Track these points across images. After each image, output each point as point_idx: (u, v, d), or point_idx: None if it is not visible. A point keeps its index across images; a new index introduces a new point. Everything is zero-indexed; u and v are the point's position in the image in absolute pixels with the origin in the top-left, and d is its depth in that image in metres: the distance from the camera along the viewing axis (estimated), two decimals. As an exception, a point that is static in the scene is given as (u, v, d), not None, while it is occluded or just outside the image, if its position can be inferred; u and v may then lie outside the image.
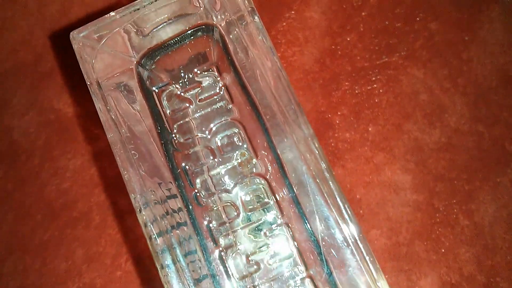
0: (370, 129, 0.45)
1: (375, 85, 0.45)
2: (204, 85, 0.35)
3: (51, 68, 0.46)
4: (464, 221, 0.42)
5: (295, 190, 0.33)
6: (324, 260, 0.32)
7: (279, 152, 0.33)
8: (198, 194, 0.33)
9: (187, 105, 0.35)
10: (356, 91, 0.45)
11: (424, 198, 0.43)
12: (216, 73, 0.35)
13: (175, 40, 0.34)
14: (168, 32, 0.34)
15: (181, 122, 0.34)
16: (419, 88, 0.45)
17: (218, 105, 0.34)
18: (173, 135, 0.33)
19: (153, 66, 0.34)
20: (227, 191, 0.33)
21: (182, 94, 0.35)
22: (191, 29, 0.34)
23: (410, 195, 0.43)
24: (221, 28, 0.34)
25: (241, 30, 0.34)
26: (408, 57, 0.46)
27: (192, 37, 0.35)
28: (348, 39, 0.46)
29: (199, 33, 0.35)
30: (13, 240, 0.38)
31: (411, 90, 0.45)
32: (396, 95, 0.45)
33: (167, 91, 0.34)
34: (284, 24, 0.47)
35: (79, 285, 0.37)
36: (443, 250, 0.42)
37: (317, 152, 0.32)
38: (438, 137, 0.45)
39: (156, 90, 0.34)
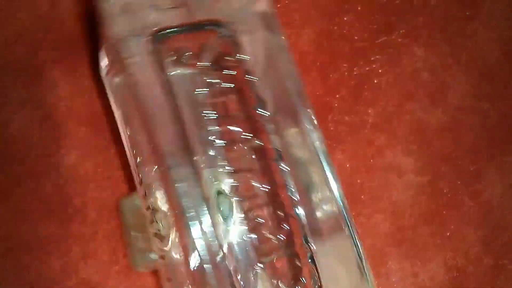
0: (370, 111, 0.43)
1: (374, 66, 0.43)
2: None
3: (46, 62, 0.45)
4: (469, 202, 0.41)
5: None
6: None
7: None
8: None
9: None
10: (355, 73, 0.43)
11: (428, 180, 0.42)
12: None
13: None
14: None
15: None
16: (421, 67, 0.43)
17: None
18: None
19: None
20: None
21: None
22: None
23: (414, 177, 0.42)
24: None
25: None
26: (408, 35, 0.44)
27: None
28: (346, 19, 0.45)
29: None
30: (9, 239, 0.38)
31: (412, 69, 0.43)
32: (396, 75, 0.43)
33: None
34: (279, 5, 0.46)
35: (76, 281, 0.37)
36: (448, 233, 0.40)
37: None
38: (441, 116, 0.43)
39: None
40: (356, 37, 0.44)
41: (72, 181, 0.40)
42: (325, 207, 0.31)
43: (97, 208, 0.39)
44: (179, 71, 0.31)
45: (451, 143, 0.43)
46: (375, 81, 0.43)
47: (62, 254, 0.38)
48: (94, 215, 0.40)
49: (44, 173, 0.42)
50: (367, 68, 0.43)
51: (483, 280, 0.39)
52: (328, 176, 0.30)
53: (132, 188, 0.39)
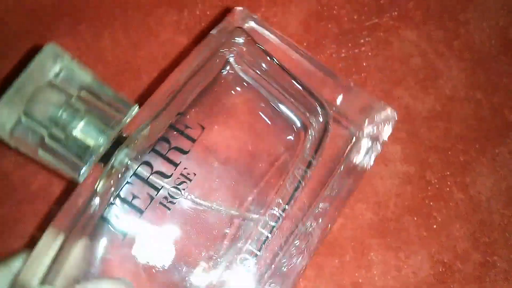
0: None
1: (363, 48, 0.41)
2: None
3: None
4: (458, 194, 0.38)
5: None
6: None
7: None
8: None
9: None
10: (343, 55, 0.41)
11: (415, 170, 0.39)
12: None
13: None
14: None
15: None
16: (412, 52, 0.41)
17: None
18: None
19: None
20: None
21: None
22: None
23: (400, 166, 0.40)
24: None
25: None
26: (400, 18, 0.42)
27: None
28: (335, -1, 0.43)
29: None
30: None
31: (402, 54, 0.41)
32: (386, 58, 0.41)
33: None
34: (267, -16, 0.44)
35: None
36: (435, 226, 0.38)
37: None
38: (431, 104, 0.41)
39: None
40: (345, 18, 0.42)
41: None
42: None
43: (62, 185, 0.37)
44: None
45: (441, 133, 0.40)
46: (364, 64, 0.41)
47: (23, 235, 0.35)
48: (59, 193, 0.38)
49: (6, 149, 0.39)
50: (356, 51, 0.41)
51: (471, 277, 0.36)
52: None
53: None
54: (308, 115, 0.31)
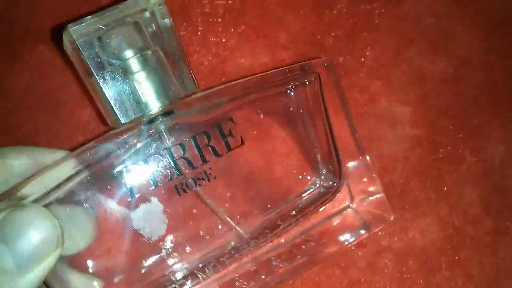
0: (368, 53, 0.39)
1: (375, 4, 0.39)
2: None
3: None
4: (471, 158, 0.36)
5: None
6: None
7: None
8: None
9: None
10: (354, 11, 0.39)
11: (425, 133, 0.37)
12: None
13: None
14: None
15: None
16: (425, 12, 0.40)
17: None
18: None
19: None
20: None
21: None
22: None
23: (409, 129, 0.38)
24: None
25: None
26: (413, -22, 0.40)
27: None
28: (347, -44, 0.41)
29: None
30: None
31: (415, 13, 0.39)
32: (398, 17, 0.39)
33: None
34: None
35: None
36: (445, 189, 0.35)
37: None
38: (444, 67, 0.39)
39: None
40: (358, -25, 0.40)
41: (23, 107, 0.35)
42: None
43: (48, 136, 0.34)
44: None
45: (453, 96, 0.38)
46: (376, 21, 0.39)
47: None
48: (45, 143, 0.35)
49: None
50: (367, 6, 0.39)
51: (482, 243, 0.34)
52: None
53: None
54: (324, 172, 0.33)
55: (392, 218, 0.31)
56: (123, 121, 0.25)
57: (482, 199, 0.35)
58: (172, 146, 0.27)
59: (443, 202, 0.35)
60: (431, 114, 0.38)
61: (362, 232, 0.31)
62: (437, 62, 0.39)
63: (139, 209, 0.29)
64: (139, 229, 0.29)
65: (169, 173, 0.28)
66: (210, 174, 0.29)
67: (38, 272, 0.22)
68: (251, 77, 0.29)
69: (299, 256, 0.31)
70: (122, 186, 0.27)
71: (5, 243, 0.21)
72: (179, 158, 0.28)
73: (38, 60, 0.35)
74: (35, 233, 0.21)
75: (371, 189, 0.32)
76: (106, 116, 0.27)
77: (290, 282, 0.32)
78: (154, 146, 0.27)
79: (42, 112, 0.36)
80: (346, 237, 0.31)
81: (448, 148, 0.36)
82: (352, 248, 0.34)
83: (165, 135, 0.27)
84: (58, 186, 0.25)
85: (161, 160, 0.27)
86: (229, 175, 0.31)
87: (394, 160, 0.37)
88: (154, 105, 0.25)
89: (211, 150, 0.28)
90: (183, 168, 0.28)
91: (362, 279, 0.32)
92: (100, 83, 0.25)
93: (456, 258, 0.33)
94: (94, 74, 0.25)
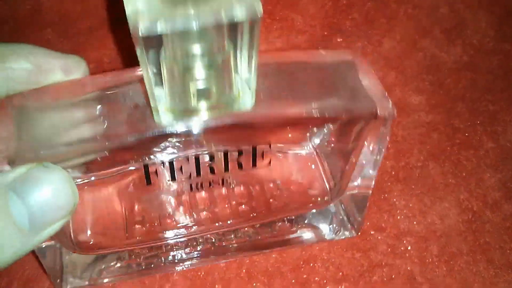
0: (384, 43, 0.39)
1: (390, -9, 0.40)
2: None
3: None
4: (488, 143, 0.36)
5: None
6: None
7: None
8: None
9: None
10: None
11: (441, 119, 0.37)
12: None
13: None
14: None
15: None
16: (440, 1, 0.40)
17: None
18: None
19: None
20: None
21: None
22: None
23: (425, 116, 0.37)
24: None
25: None
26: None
27: None
28: None
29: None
30: None
31: (431, 2, 0.40)
32: (415, 6, 0.40)
33: None
34: None
35: None
36: (464, 174, 0.35)
37: None
38: (458, 55, 0.39)
39: None
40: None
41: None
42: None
43: None
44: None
45: (468, 83, 0.38)
46: (393, 7, 0.39)
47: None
48: None
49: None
50: (383, -7, 0.40)
51: (502, 228, 0.33)
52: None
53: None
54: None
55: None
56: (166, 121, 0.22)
57: (501, 184, 0.35)
58: (202, 154, 0.27)
59: (462, 187, 0.34)
60: (447, 101, 0.38)
61: None
62: (451, 51, 0.39)
63: (153, 193, 0.30)
64: (146, 208, 0.30)
65: (190, 174, 0.28)
66: (226, 180, 0.29)
67: (46, 234, 0.21)
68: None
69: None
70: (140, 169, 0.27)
71: (22, 199, 0.20)
72: (204, 165, 0.28)
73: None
74: (54, 196, 0.21)
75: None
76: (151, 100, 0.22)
77: (311, 264, 0.32)
78: (185, 147, 0.26)
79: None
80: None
81: (466, 134, 0.36)
82: (372, 232, 0.33)
83: (199, 141, 0.26)
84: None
85: (187, 162, 0.27)
86: (245, 188, 0.32)
87: (411, 144, 0.36)
88: (205, 114, 0.22)
89: (236, 164, 0.28)
90: (203, 172, 0.28)
91: (383, 262, 0.31)
92: (152, 74, 0.20)
93: (477, 243, 0.32)
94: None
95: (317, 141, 0.32)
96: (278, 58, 0.26)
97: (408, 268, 0.31)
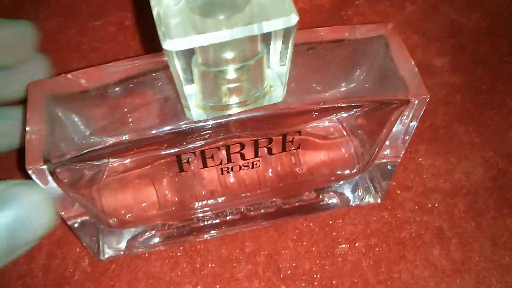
0: (407, 6, 0.39)
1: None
2: None
3: None
4: (511, 103, 0.36)
5: None
6: None
7: None
8: None
9: None
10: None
11: (464, 80, 0.37)
12: None
13: None
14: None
15: None
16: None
17: None
18: None
19: None
20: None
21: None
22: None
23: (448, 77, 0.37)
24: None
25: None
26: None
27: None
28: None
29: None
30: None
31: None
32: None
33: None
34: None
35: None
36: (488, 133, 0.35)
37: None
38: (477, 21, 0.39)
39: None
40: None
41: (51, 51, 0.34)
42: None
43: None
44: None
45: (488, 47, 0.38)
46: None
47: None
48: None
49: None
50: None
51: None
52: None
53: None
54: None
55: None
56: (197, 117, 0.22)
57: (525, 142, 0.35)
58: (233, 144, 0.27)
59: (487, 145, 0.35)
60: (468, 63, 0.38)
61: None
62: (470, 17, 0.39)
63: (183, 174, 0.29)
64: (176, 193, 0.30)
65: (221, 160, 0.28)
66: (255, 164, 0.29)
67: (19, 253, 0.21)
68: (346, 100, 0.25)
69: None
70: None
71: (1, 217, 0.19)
72: (234, 152, 0.27)
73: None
74: (30, 216, 0.20)
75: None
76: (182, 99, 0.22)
77: (339, 222, 0.32)
78: (216, 135, 0.26)
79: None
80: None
81: (489, 94, 0.36)
82: (398, 192, 0.33)
83: (230, 131, 0.26)
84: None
85: (218, 151, 0.27)
86: (274, 175, 0.32)
87: (434, 105, 0.36)
88: (235, 109, 0.22)
89: (266, 150, 0.28)
90: (234, 158, 0.28)
91: (411, 220, 0.32)
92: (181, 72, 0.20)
93: (503, 198, 0.32)
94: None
95: (344, 115, 0.32)
96: (307, 37, 0.25)
97: (437, 224, 0.32)
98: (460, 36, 0.39)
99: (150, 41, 0.37)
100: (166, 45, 0.17)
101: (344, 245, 0.31)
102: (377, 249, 0.31)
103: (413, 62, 0.25)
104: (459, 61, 0.38)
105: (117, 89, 0.24)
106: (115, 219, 0.30)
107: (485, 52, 0.38)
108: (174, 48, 0.17)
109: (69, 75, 0.24)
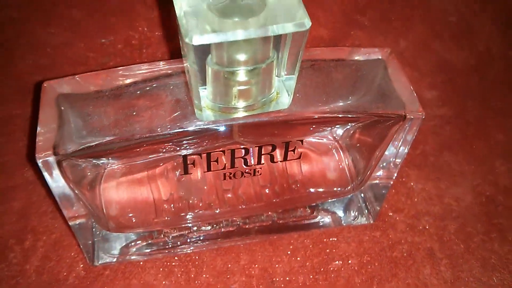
0: (400, 42, 0.42)
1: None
2: None
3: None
4: (498, 135, 0.38)
5: None
6: None
7: None
8: None
9: None
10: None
11: (453, 113, 0.39)
12: None
13: None
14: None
15: None
16: (449, 8, 0.43)
17: None
18: None
19: None
20: None
21: None
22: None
23: (437, 109, 0.39)
24: None
25: None
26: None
27: None
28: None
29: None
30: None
31: (440, 10, 0.43)
32: (427, 11, 0.42)
33: None
34: None
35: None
36: (476, 163, 0.37)
37: None
38: (466, 59, 0.42)
39: None
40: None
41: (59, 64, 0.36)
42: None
43: None
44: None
45: (476, 82, 0.41)
46: (408, 10, 0.42)
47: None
48: None
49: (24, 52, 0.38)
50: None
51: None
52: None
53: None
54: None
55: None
56: (207, 118, 0.23)
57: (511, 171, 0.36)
58: (237, 149, 0.28)
59: (476, 174, 0.36)
60: (458, 97, 0.40)
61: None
62: (459, 54, 0.42)
63: (189, 180, 0.30)
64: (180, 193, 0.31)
65: (225, 165, 0.29)
66: (257, 171, 0.30)
67: None
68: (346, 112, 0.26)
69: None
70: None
71: None
72: (238, 157, 0.28)
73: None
74: None
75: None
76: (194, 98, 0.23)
77: (331, 239, 0.33)
78: (219, 140, 0.27)
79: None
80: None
81: (477, 126, 0.38)
82: (390, 213, 0.34)
83: (234, 135, 0.27)
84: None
85: (222, 154, 0.28)
86: (275, 181, 0.33)
87: (425, 135, 0.38)
88: (242, 112, 0.23)
89: (269, 157, 0.29)
90: (237, 164, 0.29)
91: (403, 240, 0.32)
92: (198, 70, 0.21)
93: (491, 223, 0.33)
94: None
95: (339, 132, 0.33)
96: (312, 55, 0.27)
97: (428, 245, 0.32)
98: (449, 72, 0.41)
99: (155, 59, 0.38)
100: (188, 39, 0.18)
101: (337, 262, 0.32)
102: (369, 266, 0.31)
103: (409, 84, 0.27)
104: (448, 95, 0.40)
105: (130, 89, 0.25)
106: (114, 222, 0.30)
107: (474, 87, 0.40)
108: (195, 42, 0.18)
109: (77, 77, 0.25)
